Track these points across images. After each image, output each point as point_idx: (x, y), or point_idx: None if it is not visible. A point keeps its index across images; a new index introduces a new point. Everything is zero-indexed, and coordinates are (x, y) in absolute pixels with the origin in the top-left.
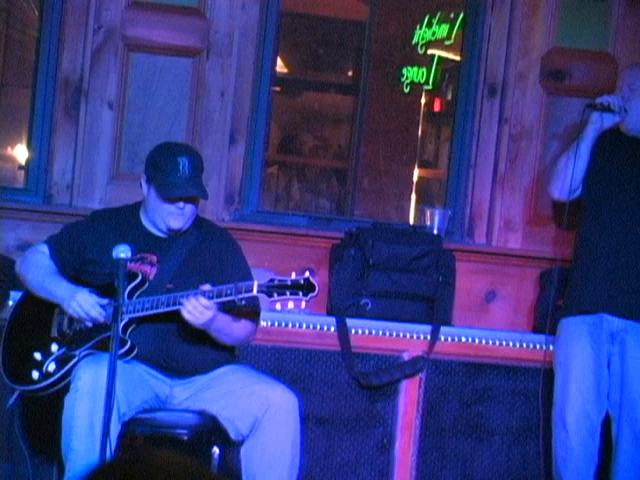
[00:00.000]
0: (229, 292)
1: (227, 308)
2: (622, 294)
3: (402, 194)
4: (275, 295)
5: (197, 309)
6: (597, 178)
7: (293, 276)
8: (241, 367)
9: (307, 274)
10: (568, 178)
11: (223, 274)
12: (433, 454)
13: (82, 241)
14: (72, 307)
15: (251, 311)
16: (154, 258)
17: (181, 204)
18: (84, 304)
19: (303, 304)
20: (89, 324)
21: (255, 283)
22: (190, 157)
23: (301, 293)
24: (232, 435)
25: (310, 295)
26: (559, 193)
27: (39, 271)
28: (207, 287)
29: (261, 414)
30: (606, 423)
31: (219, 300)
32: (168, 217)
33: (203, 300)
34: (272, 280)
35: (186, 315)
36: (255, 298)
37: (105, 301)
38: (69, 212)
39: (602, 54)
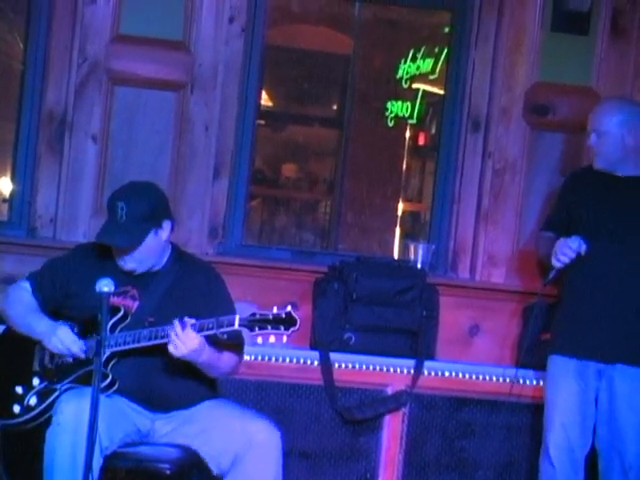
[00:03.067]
0: (211, 326)
1: (211, 342)
2: (606, 340)
3: (386, 228)
4: (257, 329)
5: (182, 339)
6: (580, 221)
7: (275, 310)
8: (223, 402)
9: (289, 308)
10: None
11: (205, 308)
12: None
13: (64, 276)
14: (52, 343)
15: (235, 344)
16: (135, 292)
17: (114, 249)
18: (65, 339)
19: (284, 338)
20: (70, 359)
21: (237, 317)
22: (129, 203)
23: (283, 327)
24: (214, 470)
25: (292, 329)
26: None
27: (20, 308)
28: (191, 321)
29: (243, 450)
30: (594, 457)
31: (201, 334)
32: (119, 260)
33: (188, 330)
34: (254, 314)
35: (172, 346)
36: (238, 331)
37: (84, 341)
38: (52, 245)
39: (585, 89)
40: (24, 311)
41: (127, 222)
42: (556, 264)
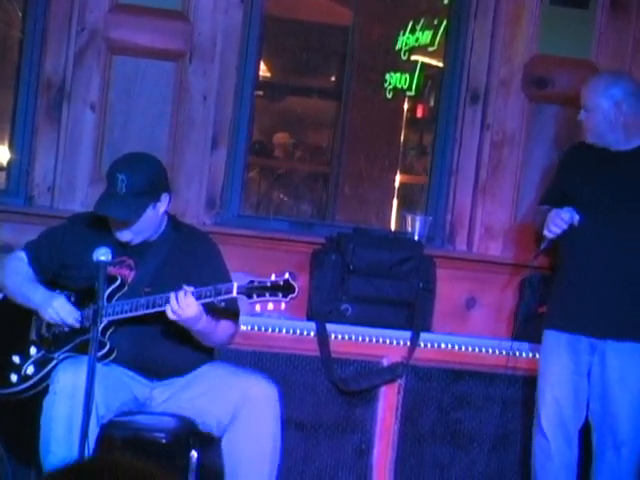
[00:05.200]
0: (208, 294)
1: (207, 310)
2: (598, 315)
3: (383, 200)
4: (254, 296)
5: (181, 304)
6: (576, 195)
7: (273, 277)
8: (219, 363)
9: (286, 275)
10: None
11: (202, 277)
12: (411, 460)
13: (60, 245)
14: (48, 313)
15: (231, 313)
16: (132, 262)
17: (111, 220)
18: (60, 310)
19: (283, 305)
20: (66, 329)
21: (235, 284)
22: (129, 175)
23: (280, 294)
24: (214, 429)
25: (290, 296)
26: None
27: (17, 278)
28: (190, 288)
29: (241, 403)
30: (587, 431)
31: (199, 302)
32: (115, 232)
33: (188, 296)
34: (252, 282)
35: (170, 311)
36: (234, 300)
37: (79, 311)
38: (50, 214)
39: (584, 62)
40: (20, 281)
41: (126, 195)
42: (547, 234)
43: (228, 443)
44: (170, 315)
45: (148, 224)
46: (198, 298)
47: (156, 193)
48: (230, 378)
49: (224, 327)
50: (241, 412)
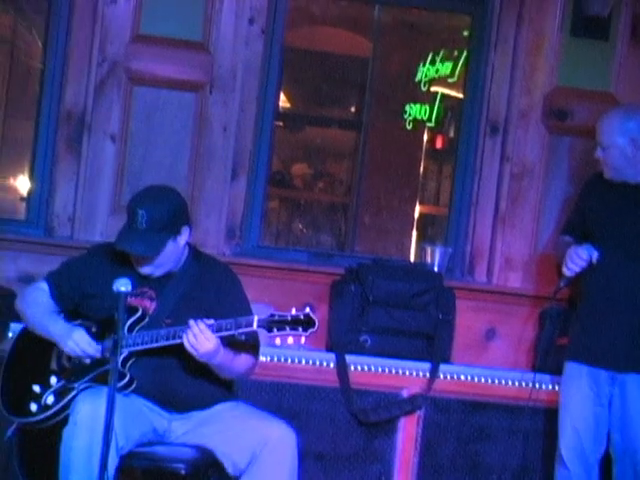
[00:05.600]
0: (229, 326)
1: (227, 342)
2: (619, 350)
3: (403, 231)
4: (275, 330)
5: (199, 338)
6: (595, 227)
7: (293, 312)
8: (240, 404)
9: (307, 310)
10: None
11: (223, 309)
12: None
13: (81, 276)
14: (68, 346)
15: (251, 345)
16: (153, 293)
17: (136, 257)
18: (80, 342)
19: (303, 339)
20: (87, 360)
21: (255, 318)
22: (150, 210)
23: (301, 329)
24: (230, 470)
25: (310, 331)
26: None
27: (37, 309)
28: (210, 321)
29: (259, 449)
30: (608, 462)
31: (219, 334)
32: (135, 263)
33: (205, 330)
34: (272, 315)
35: (187, 344)
36: (255, 332)
37: (99, 345)
38: (70, 245)
39: (604, 94)
40: (41, 313)
41: (146, 230)
42: (566, 273)
43: None
44: (188, 348)
45: (168, 257)
46: (218, 331)
47: (176, 227)
48: (250, 421)
49: (243, 360)
50: (259, 456)
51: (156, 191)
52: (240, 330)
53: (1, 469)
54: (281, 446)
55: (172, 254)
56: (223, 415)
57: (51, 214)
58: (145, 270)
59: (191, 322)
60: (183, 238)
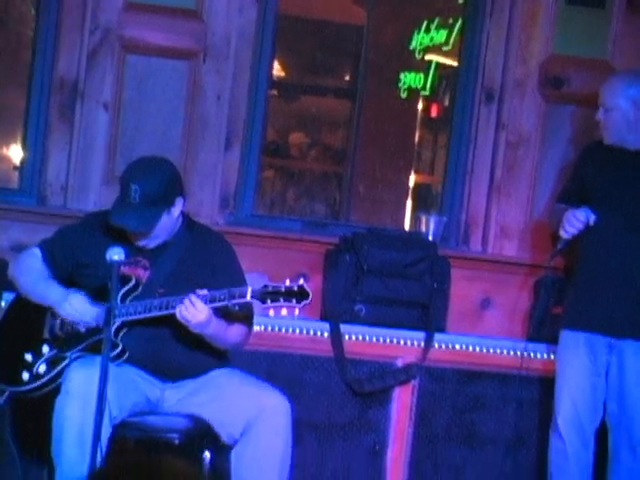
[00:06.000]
0: (222, 297)
1: (221, 313)
2: (616, 315)
3: (398, 200)
4: (268, 301)
5: (190, 310)
6: (594, 194)
7: (287, 283)
8: (233, 371)
9: (301, 281)
10: None
11: (216, 279)
12: (425, 462)
13: (75, 244)
14: (65, 310)
15: (244, 316)
16: (147, 262)
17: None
18: (78, 307)
19: (296, 311)
20: (82, 327)
21: (249, 289)
22: (143, 185)
23: (294, 300)
24: (224, 438)
25: (303, 302)
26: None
27: (31, 275)
28: (203, 291)
29: (253, 417)
30: (604, 433)
31: (212, 305)
32: (130, 236)
33: (198, 302)
34: (266, 286)
35: (179, 315)
36: (249, 303)
37: (97, 309)
38: (63, 214)
39: (601, 62)
40: (35, 278)
41: (140, 205)
42: (563, 235)
43: (238, 455)
44: (180, 320)
45: (163, 229)
46: (212, 301)
47: (170, 198)
48: (244, 389)
49: (237, 330)
50: (253, 425)
51: (148, 163)
52: (234, 301)
53: None
54: (275, 415)
55: (166, 226)
56: (217, 382)
57: (44, 183)
58: (140, 242)
59: (181, 300)
60: (177, 209)
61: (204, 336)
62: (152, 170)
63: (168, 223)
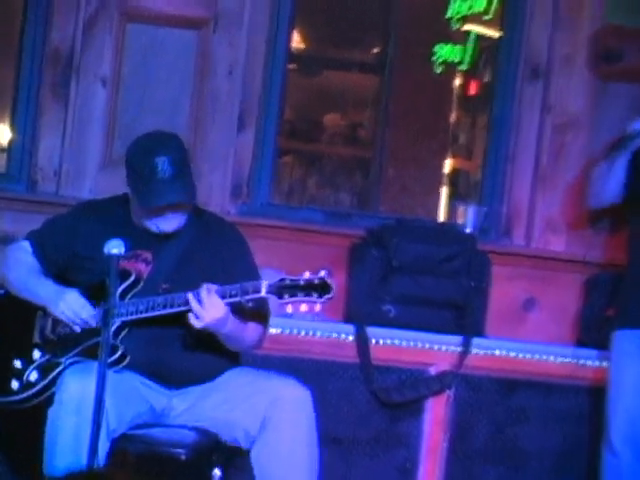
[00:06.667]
0: (234, 293)
1: (233, 310)
2: None
3: (431, 188)
4: (286, 296)
5: (205, 305)
6: None
7: (307, 275)
8: (244, 368)
9: (322, 273)
10: (605, 190)
11: (227, 272)
12: None
13: (68, 236)
14: (60, 309)
15: (260, 314)
16: (148, 255)
17: (167, 210)
18: (74, 305)
19: (317, 307)
20: (77, 329)
21: (264, 283)
22: (170, 155)
23: (315, 295)
24: (242, 442)
25: (325, 297)
26: (594, 202)
27: (21, 270)
28: (214, 287)
29: (270, 411)
30: None
31: (224, 301)
32: (157, 221)
33: (213, 296)
34: (283, 280)
35: (191, 315)
36: (263, 300)
37: (94, 308)
38: (56, 201)
39: None
40: (26, 274)
41: (175, 177)
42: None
43: (258, 454)
44: (192, 320)
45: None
46: (222, 297)
47: (191, 169)
48: (257, 382)
49: (251, 330)
50: (272, 418)
51: (162, 135)
52: (247, 297)
53: None
54: (295, 405)
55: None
56: (228, 382)
57: (34, 167)
58: (171, 225)
59: (191, 293)
60: None
61: (218, 336)
62: (167, 140)
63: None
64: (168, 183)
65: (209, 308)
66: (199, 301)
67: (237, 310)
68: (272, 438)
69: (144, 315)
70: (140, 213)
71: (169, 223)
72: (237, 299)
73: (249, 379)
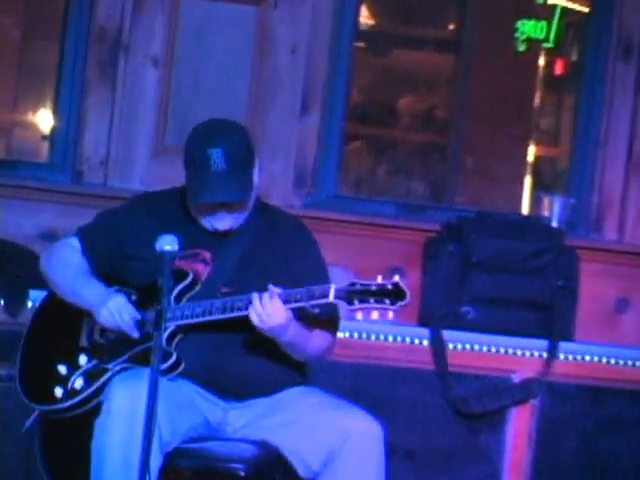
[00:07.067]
0: (300, 297)
1: (298, 316)
2: None
3: (514, 177)
4: (356, 302)
5: (267, 308)
6: None
7: (379, 280)
8: (312, 390)
9: (396, 278)
10: None
11: (292, 274)
12: None
13: (120, 232)
14: (102, 315)
15: (328, 320)
16: (207, 255)
17: (220, 207)
18: (118, 311)
19: (390, 314)
20: (135, 334)
21: (332, 287)
22: (226, 147)
23: (388, 301)
24: (300, 471)
25: (399, 304)
26: None
27: (68, 270)
28: (277, 290)
29: (338, 445)
30: None
31: (288, 306)
32: (210, 219)
33: (275, 300)
34: (353, 284)
35: (253, 315)
36: (333, 305)
37: (139, 316)
38: (103, 194)
39: None
40: (72, 275)
41: (229, 171)
42: None
43: None
44: (254, 321)
45: (249, 203)
46: (286, 302)
47: (253, 160)
48: (326, 411)
49: (318, 338)
50: (339, 454)
51: (217, 124)
52: (313, 302)
53: (21, 468)
54: (365, 442)
55: (252, 197)
56: (292, 403)
57: (80, 156)
58: (223, 224)
59: (256, 295)
60: (256, 177)
61: (280, 344)
62: (227, 130)
63: (253, 195)
64: (221, 178)
65: (272, 311)
66: (261, 303)
67: (302, 316)
68: (338, 476)
69: (201, 319)
70: (195, 212)
71: (222, 222)
72: (303, 304)
73: (317, 406)
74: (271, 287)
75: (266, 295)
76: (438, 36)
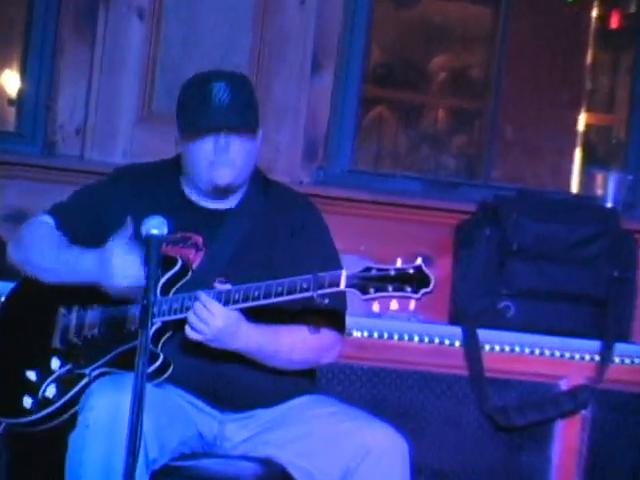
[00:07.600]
0: (306, 286)
1: (303, 309)
2: None
3: (561, 150)
4: (371, 290)
5: (202, 315)
6: None
7: (398, 264)
8: (324, 398)
9: (419, 261)
10: None
11: (299, 260)
12: None
13: (101, 211)
14: (115, 277)
15: (332, 315)
16: (199, 239)
17: (222, 140)
18: (128, 266)
19: (412, 304)
20: (101, 331)
21: (343, 273)
22: (229, 82)
23: (409, 288)
24: None
25: (422, 291)
26: None
27: (48, 245)
28: (226, 286)
29: (356, 462)
30: None
31: (291, 297)
32: (210, 170)
33: (208, 300)
34: (368, 269)
35: (187, 328)
36: (342, 294)
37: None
38: (79, 168)
39: None
40: (56, 248)
41: (232, 105)
42: None
43: None
44: (187, 333)
45: (250, 160)
46: (291, 292)
47: (257, 119)
48: (342, 424)
49: (317, 341)
50: (356, 474)
51: (222, 70)
52: (322, 290)
53: None
54: (387, 459)
55: (253, 159)
56: (301, 415)
57: (52, 124)
58: (224, 176)
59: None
60: (258, 144)
61: (250, 356)
62: (230, 73)
63: (254, 156)
64: (222, 108)
65: (207, 317)
66: (194, 310)
67: (308, 308)
68: None
69: None
70: (192, 169)
71: (223, 171)
72: (309, 293)
73: (330, 418)
74: (216, 284)
75: (203, 297)
76: None
